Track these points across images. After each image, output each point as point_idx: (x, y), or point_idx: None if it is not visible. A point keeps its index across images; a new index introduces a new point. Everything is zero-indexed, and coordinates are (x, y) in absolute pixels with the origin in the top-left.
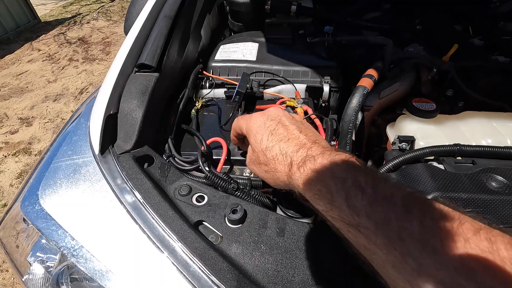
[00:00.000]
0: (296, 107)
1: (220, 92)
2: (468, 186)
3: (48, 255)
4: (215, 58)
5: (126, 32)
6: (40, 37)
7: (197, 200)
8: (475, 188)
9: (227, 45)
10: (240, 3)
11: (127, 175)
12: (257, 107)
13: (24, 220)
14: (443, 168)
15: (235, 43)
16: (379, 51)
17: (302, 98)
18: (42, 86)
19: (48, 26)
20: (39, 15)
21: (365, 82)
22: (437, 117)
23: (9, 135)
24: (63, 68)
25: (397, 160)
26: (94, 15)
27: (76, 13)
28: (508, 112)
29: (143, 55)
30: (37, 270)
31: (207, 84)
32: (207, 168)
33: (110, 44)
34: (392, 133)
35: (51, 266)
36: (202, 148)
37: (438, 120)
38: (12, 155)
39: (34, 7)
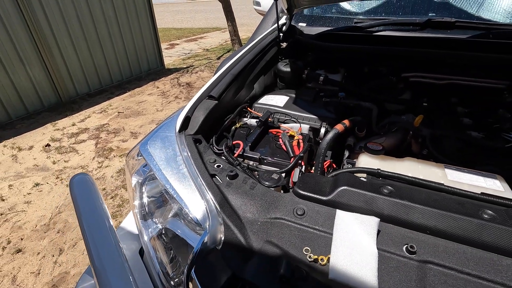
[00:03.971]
0: (295, 136)
1: (253, 122)
2: (367, 187)
3: (142, 173)
4: (259, 102)
5: None
6: (161, 79)
7: (216, 166)
8: (370, 189)
9: (269, 95)
10: (284, 71)
11: (187, 144)
12: (270, 131)
13: (138, 154)
14: (364, 180)
15: (274, 95)
16: (368, 112)
17: (302, 132)
18: (152, 112)
19: (169, 71)
20: (165, 63)
21: (339, 126)
22: (383, 156)
23: (121, 142)
24: (169, 102)
25: (338, 172)
26: (202, 68)
27: (190, 65)
28: (440, 163)
29: (213, 91)
30: (137, 177)
31: (248, 116)
32: (224, 150)
33: None
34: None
35: (144, 175)
36: (229, 144)
37: (382, 158)
38: (119, 156)
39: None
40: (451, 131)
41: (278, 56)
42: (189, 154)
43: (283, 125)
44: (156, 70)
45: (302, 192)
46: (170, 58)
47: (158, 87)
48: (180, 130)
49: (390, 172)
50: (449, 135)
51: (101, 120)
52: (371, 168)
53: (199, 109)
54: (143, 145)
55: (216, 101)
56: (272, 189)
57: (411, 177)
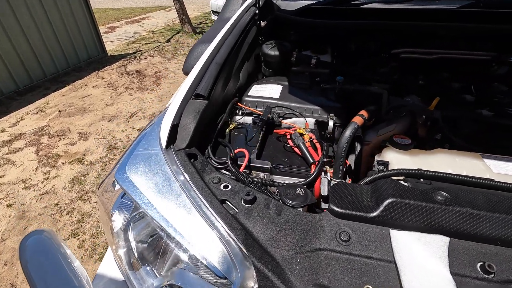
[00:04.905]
0: (304, 134)
1: (248, 119)
2: (418, 196)
3: (123, 209)
4: (248, 94)
5: (185, 71)
6: (105, 68)
7: (223, 187)
8: (423, 198)
9: (258, 85)
10: (272, 55)
11: (181, 163)
12: (274, 131)
13: (113, 184)
14: (405, 184)
15: (264, 85)
16: (377, 98)
17: (310, 128)
18: (101, 108)
19: (113, 59)
20: (107, 49)
21: (357, 119)
22: (412, 150)
23: (68, 146)
24: (120, 94)
25: (372, 177)
26: (151, 53)
27: (137, 50)
28: (474, 152)
29: (199, 88)
30: (117, 217)
31: (240, 113)
32: (231, 166)
33: (161, 77)
34: (377, 158)
35: (128, 213)
36: (231, 154)
37: (412, 153)
38: (69, 163)
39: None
40: (464, 112)
41: (258, 37)
42: (187, 177)
43: (284, 121)
44: (98, 58)
45: (341, 210)
46: (111, 43)
47: (103, 78)
48: (167, 145)
49: (435, 172)
50: (464, 116)
51: (39, 122)
52: (410, 169)
53: (186, 113)
54: (120, 172)
55: (206, 101)
56: (301, 209)
57: (460, 175)
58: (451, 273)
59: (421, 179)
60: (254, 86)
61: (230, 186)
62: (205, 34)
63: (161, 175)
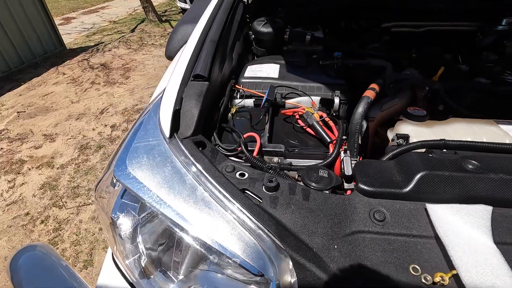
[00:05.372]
0: (313, 113)
1: (249, 102)
2: (449, 166)
3: (128, 210)
4: (245, 75)
5: (169, 55)
6: (65, 63)
7: (239, 175)
8: (455, 168)
9: (253, 66)
10: (265, 32)
11: (190, 152)
12: (281, 112)
13: (112, 183)
14: (431, 156)
15: (260, 64)
16: (380, 72)
17: (318, 107)
18: (66, 106)
19: (73, 53)
20: (64, 43)
21: (369, 93)
22: (427, 122)
23: (33, 150)
24: (85, 90)
25: (395, 151)
26: (115, 44)
27: (99, 41)
28: (487, 119)
29: (197, 68)
30: (123, 220)
31: (238, 95)
32: (247, 152)
33: (130, 69)
34: (391, 135)
35: (135, 214)
36: (242, 139)
37: (429, 124)
38: (36, 168)
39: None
40: (463, 81)
41: (246, 15)
42: (199, 167)
43: (289, 101)
44: (55, 53)
45: (371, 189)
46: (69, 36)
47: (64, 74)
48: (171, 134)
49: (459, 141)
50: (463, 85)
51: None
52: (433, 140)
53: (188, 97)
54: (120, 168)
55: (207, 82)
56: (327, 192)
57: (484, 142)
58: (495, 242)
59: (445, 150)
60: (249, 67)
61: (247, 174)
62: (186, 15)
63: (169, 167)
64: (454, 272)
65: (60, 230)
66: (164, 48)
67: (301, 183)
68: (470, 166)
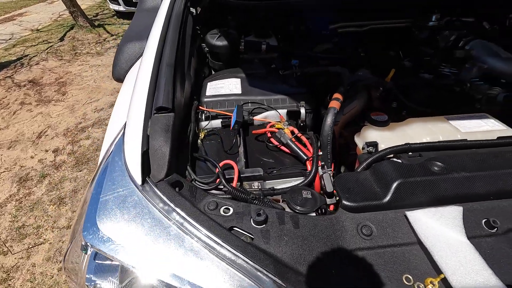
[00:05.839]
0: (283, 128)
1: (216, 123)
2: (418, 171)
3: (105, 275)
4: (207, 94)
5: (117, 77)
6: None
7: (224, 212)
8: (423, 173)
9: (213, 82)
10: (220, 46)
11: (168, 198)
12: (253, 132)
13: (84, 248)
14: (401, 162)
15: (220, 80)
16: (337, 77)
17: (286, 121)
18: None
19: None
20: None
21: (334, 104)
22: (390, 125)
23: None
24: (14, 113)
25: (368, 161)
26: (43, 56)
27: (22, 55)
28: (438, 116)
29: (158, 99)
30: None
31: (203, 117)
32: (228, 186)
33: (65, 84)
34: (359, 140)
35: (116, 283)
36: (217, 170)
37: (391, 127)
38: None
39: None
40: (411, 78)
41: (196, 27)
42: (182, 213)
43: (256, 117)
44: None
45: (355, 204)
46: None
47: None
48: (143, 180)
49: (421, 143)
50: (412, 82)
51: None
52: (401, 145)
53: (155, 134)
54: (89, 230)
55: (172, 113)
56: (314, 213)
57: (441, 142)
58: (468, 238)
59: (411, 153)
60: (209, 84)
61: (231, 209)
62: (129, 31)
63: (148, 220)
64: (442, 276)
65: (10, 280)
66: (102, 56)
67: (286, 207)
68: (436, 168)
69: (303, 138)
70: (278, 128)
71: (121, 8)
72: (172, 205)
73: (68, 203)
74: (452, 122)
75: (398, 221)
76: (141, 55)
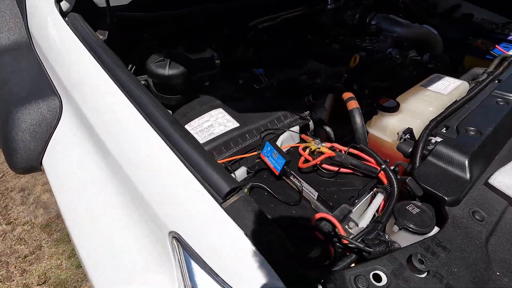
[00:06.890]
0: (319, 148)
1: (242, 172)
2: (468, 141)
3: None
4: (202, 142)
5: (22, 166)
6: None
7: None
8: (472, 140)
9: (191, 123)
10: (177, 74)
11: None
12: (304, 166)
13: None
14: (451, 138)
15: (198, 118)
16: (316, 74)
17: (311, 137)
18: None
19: None
20: None
21: (354, 104)
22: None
23: None
24: None
25: (424, 150)
26: None
27: None
28: (414, 87)
29: (214, 181)
30: None
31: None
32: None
33: None
34: (372, 129)
35: None
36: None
37: (402, 109)
38: None
39: None
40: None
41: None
42: None
43: (284, 146)
44: None
45: (455, 197)
46: None
47: None
48: None
49: (446, 111)
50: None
51: None
52: (433, 124)
53: (260, 229)
54: None
55: (242, 190)
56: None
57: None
58: None
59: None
60: (187, 126)
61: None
62: (16, 90)
63: None
64: None
65: None
66: None
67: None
68: (472, 133)
69: (359, 153)
70: (313, 150)
71: None
72: None
73: None
74: (430, 88)
75: (486, 192)
76: (58, 117)
